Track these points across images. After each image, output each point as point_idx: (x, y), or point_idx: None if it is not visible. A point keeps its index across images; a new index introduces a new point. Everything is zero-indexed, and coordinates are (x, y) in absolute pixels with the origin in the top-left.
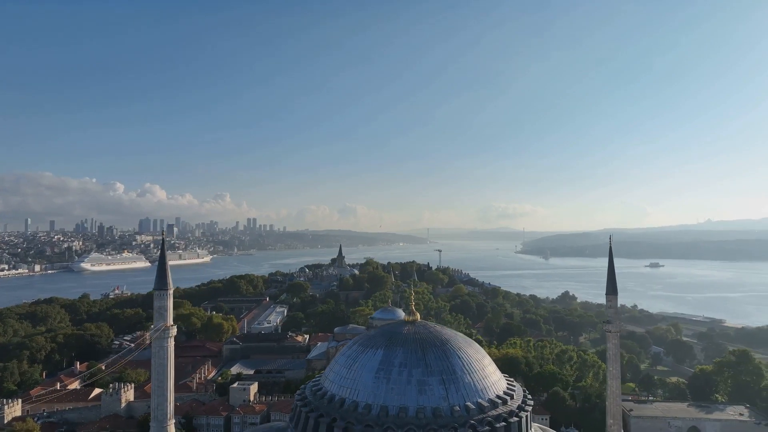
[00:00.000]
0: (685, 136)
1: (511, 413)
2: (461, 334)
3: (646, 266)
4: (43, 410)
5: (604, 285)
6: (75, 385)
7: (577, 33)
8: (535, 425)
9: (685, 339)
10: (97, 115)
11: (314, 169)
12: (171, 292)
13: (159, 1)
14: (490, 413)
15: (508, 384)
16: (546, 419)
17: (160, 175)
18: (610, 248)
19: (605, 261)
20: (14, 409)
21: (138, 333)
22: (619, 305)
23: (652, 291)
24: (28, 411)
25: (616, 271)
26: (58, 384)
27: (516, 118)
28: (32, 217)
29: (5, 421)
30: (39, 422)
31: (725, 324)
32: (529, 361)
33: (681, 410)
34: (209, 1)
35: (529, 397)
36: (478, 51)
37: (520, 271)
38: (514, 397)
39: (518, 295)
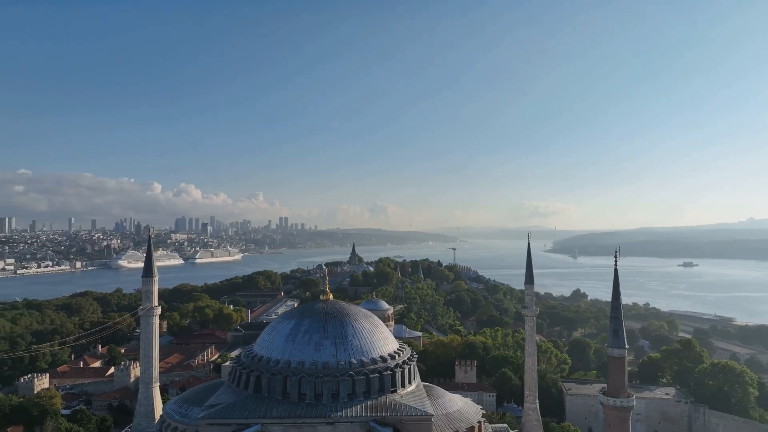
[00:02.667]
0: (723, 129)
1: (386, 368)
2: (364, 311)
3: (678, 265)
4: (67, 384)
5: (624, 283)
6: (97, 364)
7: (606, 27)
8: (421, 384)
9: (681, 335)
10: (133, 116)
11: (345, 168)
12: (156, 279)
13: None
14: (369, 367)
15: (397, 349)
16: (492, 396)
17: (196, 175)
18: (528, 245)
19: (633, 260)
20: (43, 382)
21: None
22: (631, 303)
23: (674, 290)
24: (54, 384)
25: (645, 270)
26: (82, 363)
27: (544, 113)
28: (75, 217)
29: (35, 392)
30: (62, 392)
31: (734, 322)
32: (487, 347)
33: None
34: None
35: (414, 358)
36: (504, 48)
37: (543, 270)
38: (396, 358)
39: (521, 291)
